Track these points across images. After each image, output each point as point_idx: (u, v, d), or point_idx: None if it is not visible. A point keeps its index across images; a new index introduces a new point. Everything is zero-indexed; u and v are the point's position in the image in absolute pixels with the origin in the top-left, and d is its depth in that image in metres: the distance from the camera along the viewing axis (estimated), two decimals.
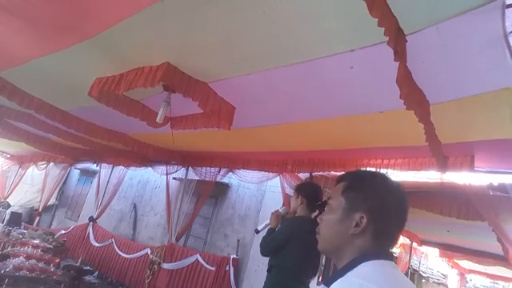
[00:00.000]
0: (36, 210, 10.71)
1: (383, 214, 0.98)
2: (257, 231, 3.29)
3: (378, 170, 4.04)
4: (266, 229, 3.21)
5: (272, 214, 3.20)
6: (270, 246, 2.98)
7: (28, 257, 4.82)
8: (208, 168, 6.59)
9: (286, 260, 2.87)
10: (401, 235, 7.70)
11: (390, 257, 0.96)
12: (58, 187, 11.15)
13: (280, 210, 3.21)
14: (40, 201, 10.70)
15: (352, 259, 0.93)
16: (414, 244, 10.09)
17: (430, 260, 12.61)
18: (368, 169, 4.12)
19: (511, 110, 2.37)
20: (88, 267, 7.74)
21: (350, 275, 0.88)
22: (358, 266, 0.89)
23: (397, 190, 1.02)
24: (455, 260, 11.58)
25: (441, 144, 3.00)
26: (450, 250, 9.74)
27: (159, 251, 6.78)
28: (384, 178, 1.07)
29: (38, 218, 10.38)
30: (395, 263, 0.98)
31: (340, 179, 1.11)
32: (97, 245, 8.36)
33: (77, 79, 3.50)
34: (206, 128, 3.63)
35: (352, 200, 1.01)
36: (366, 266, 0.89)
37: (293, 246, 2.84)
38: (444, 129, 2.78)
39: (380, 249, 0.96)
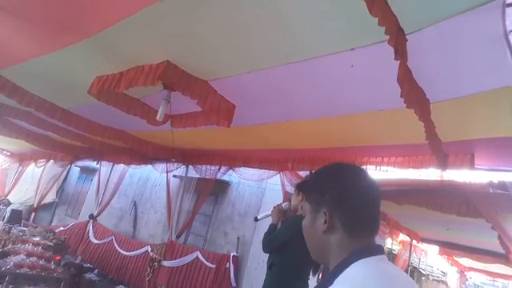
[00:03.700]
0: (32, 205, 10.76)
1: (343, 202, 0.97)
2: (256, 219, 3.34)
3: (379, 168, 4.05)
4: (266, 219, 3.23)
5: (274, 207, 3.21)
6: (272, 244, 3.00)
7: (28, 254, 4.82)
8: (208, 166, 6.59)
9: (288, 258, 2.89)
10: (401, 233, 7.70)
11: (380, 251, 0.94)
12: (57, 184, 11.18)
13: (282, 205, 3.22)
14: (35, 197, 10.74)
15: (340, 261, 0.91)
16: (414, 241, 10.11)
17: (430, 257, 12.65)
18: (368, 166, 4.12)
19: (511, 108, 2.37)
20: (88, 264, 7.76)
21: (339, 281, 0.86)
22: (347, 269, 0.87)
23: (355, 177, 1.02)
24: (455, 258, 11.62)
25: (441, 142, 3.01)
26: (449, 247, 9.77)
27: (159, 248, 6.79)
28: (338, 169, 1.07)
29: (33, 214, 10.42)
30: (385, 256, 0.95)
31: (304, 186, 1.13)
32: (97, 242, 8.37)
33: (77, 77, 3.50)
34: (205, 126, 3.64)
35: (314, 201, 1.03)
36: (355, 268, 0.87)
37: (295, 245, 2.85)
38: (444, 127, 2.78)
39: (364, 243, 0.94)
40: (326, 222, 0.97)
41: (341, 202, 0.97)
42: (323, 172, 1.09)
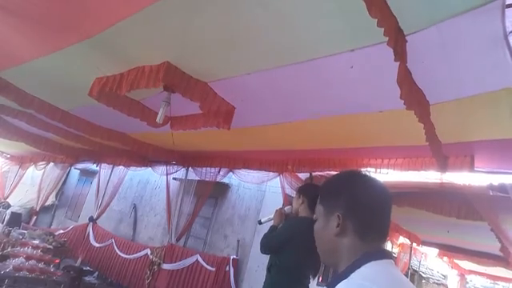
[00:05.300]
0: (34, 209, 10.71)
1: (358, 208, 1.01)
2: (259, 222, 3.35)
3: (379, 170, 4.04)
4: (269, 223, 3.24)
5: (276, 211, 3.23)
6: (270, 245, 3.00)
7: (28, 257, 4.81)
8: (208, 168, 6.58)
9: (286, 260, 2.89)
10: (400, 236, 7.70)
11: (390, 256, 0.99)
12: (57, 187, 11.16)
13: (285, 209, 3.24)
14: (37, 200, 10.71)
15: (353, 261, 0.95)
16: (414, 244, 10.08)
17: (430, 260, 12.61)
18: (368, 169, 4.13)
19: (511, 109, 2.37)
20: (88, 267, 7.74)
21: (354, 276, 0.90)
22: (361, 267, 0.91)
23: (370, 184, 1.06)
24: (455, 260, 11.58)
25: (441, 144, 3.00)
26: (450, 250, 9.74)
27: (159, 252, 6.77)
28: (355, 175, 1.12)
29: (35, 218, 10.38)
30: (394, 262, 1.01)
31: (319, 189, 1.17)
32: (97, 245, 8.35)
33: (77, 79, 3.50)
34: (205, 128, 3.64)
35: (328, 204, 1.07)
36: (368, 267, 0.91)
37: (293, 247, 2.85)
38: (444, 129, 2.78)
39: (375, 247, 0.98)
40: (338, 225, 1.00)
41: (355, 207, 1.01)
42: (338, 177, 1.16)
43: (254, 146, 4.96)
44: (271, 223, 3.23)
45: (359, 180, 1.08)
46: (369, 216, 1.01)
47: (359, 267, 0.92)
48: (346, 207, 1.01)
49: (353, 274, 0.91)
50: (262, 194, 6.66)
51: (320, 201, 1.11)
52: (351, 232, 0.99)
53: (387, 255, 0.98)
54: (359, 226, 0.99)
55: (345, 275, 0.92)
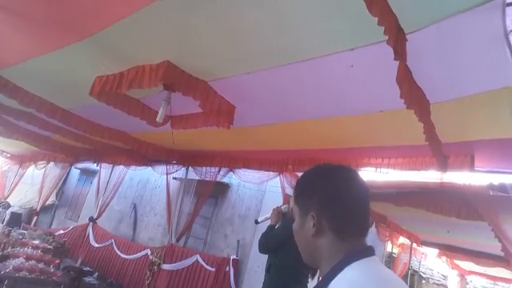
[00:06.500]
0: (34, 209, 10.69)
1: (331, 206, 0.96)
2: (256, 222, 3.33)
3: (379, 170, 4.04)
4: (266, 222, 3.23)
5: (273, 210, 3.22)
6: (269, 245, 3.00)
7: (28, 258, 4.81)
8: (208, 168, 6.58)
9: (285, 260, 2.89)
10: (400, 236, 7.65)
11: (372, 252, 0.94)
12: (57, 187, 11.15)
13: (282, 208, 3.23)
14: (38, 200, 10.69)
15: (336, 263, 0.91)
16: (414, 245, 10.08)
17: (430, 261, 12.60)
18: (368, 168, 4.12)
19: (511, 109, 2.37)
20: (87, 268, 7.74)
21: (336, 283, 0.86)
22: (344, 270, 0.88)
23: (343, 178, 1.01)
24: (455, 261, 11.57)
25: (441, 143, 3.00)
26: (450, 250, 9.72)
27: (159, 252, 6.77)
28: (326, 171, 1.06)
29: (35, 218, 10.36)
30: (376, 257, 0.95)
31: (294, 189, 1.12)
32: (96, 245, 8.34)
33: (77, 77, 3.50)
34: (206, 127, 3.64)
35: (302, 204, 1.03)
36: (351, 270, 0.87)
37: (292, 246, 2.84)
38: (444, 128, 2.77)
39: (356, 245, 0.94)
40: (314, 225, 0.96)
41: (329, 206, 0.97)
42: (311, 174, 1.09)
43: (254, 145, 4.96)
44: (269, 222, 3.22)
45: (331, 176, 1.03)
46: (344, 213, 0.96)
47: (342, 269, 0.87)
48: (320, 206, 0.96)
49: (336, 278, 0.87)
50: (262, 193, 6.66)
51: (294, 200, 1.08)
52: (328, 231, 0.95)
53: (370, 252, 0.93)
54: (335, 224, 0.95)
55: (325, 282, 0.88)
